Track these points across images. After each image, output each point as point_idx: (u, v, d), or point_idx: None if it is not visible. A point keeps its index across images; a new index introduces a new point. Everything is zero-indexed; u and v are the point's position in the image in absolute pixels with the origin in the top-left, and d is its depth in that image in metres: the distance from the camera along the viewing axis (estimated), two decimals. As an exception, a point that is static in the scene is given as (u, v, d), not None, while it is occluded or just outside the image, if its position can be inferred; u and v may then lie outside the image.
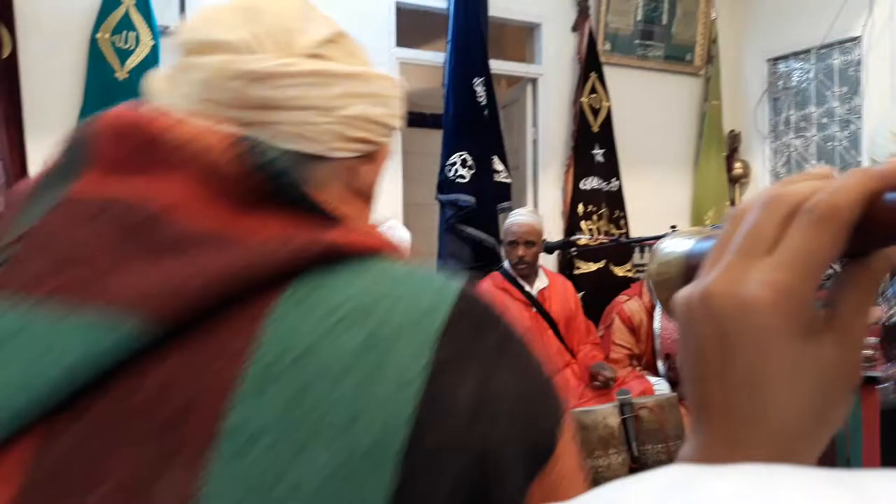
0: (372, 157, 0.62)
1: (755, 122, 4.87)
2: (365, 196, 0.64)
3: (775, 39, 4.73)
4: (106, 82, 3.28)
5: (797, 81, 4.73)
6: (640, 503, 0.27)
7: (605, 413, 2.85)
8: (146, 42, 3.33)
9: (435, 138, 4.25)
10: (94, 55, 3.28)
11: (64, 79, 3.28)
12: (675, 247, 0.51)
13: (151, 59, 3.33)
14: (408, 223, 4.02)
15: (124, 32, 3.31)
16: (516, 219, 3.47)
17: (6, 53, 3.10)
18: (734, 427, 0.33)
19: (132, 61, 3.32)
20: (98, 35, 3.28)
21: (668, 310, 0.51)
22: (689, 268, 0.49)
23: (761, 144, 4.87)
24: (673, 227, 3.37)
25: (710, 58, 4.78)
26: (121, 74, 3.31)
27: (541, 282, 3.51)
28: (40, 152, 3.23)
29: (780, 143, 4.84)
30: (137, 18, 3.32)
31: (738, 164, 4.86)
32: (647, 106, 4.59)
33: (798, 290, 0.33)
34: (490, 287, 3.45)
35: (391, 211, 3.91)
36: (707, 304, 0.34)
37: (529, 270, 3.46)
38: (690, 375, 0.36)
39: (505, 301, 3.40)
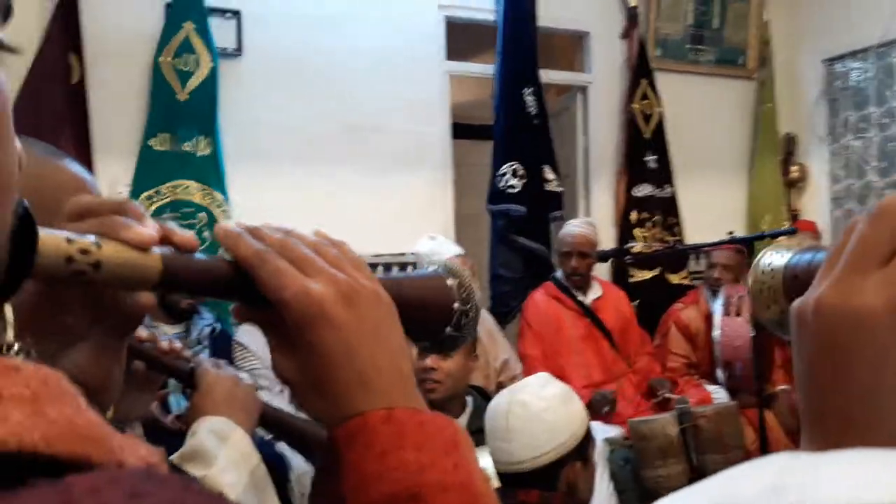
0: None
1: (812, 125, 4.77)
2: None
3: (831, 39, 4.62)
4: (168, 103, 3.40)
5: (855, 81, 4.62)
6: (755, 485, 0.29)
7: (664, 422, 2.84)
8: (206, 64, 3.44)
9: (485, 149, 4.29)
10: (157, 78, 3.41)
11: (129, 101, 3.41)
12: (774, 259, 0.53)
13: (211, 81, 3.44)
14: (459, 235, 4.06)
15: (185, 55, 3.43)
16: (570, 229, 3.47)
17: (76, 79, 3.25)
18: (851, 437, 0.34)
19: (192, 83, 3.44)
20: (160, 58, 3.40)
21: (764, 321, 0.53)
22: (787, 279, 0.52)
23: (819, 147, 4.77)
24: (730, 233, 3.33)
25: (764, 60, 4.70)
26: (182, 96, 3.42)
27: (594, 292, 3.51)
28: (109, 172, 3.37)
29: (839, 146, 4.72)
30: (197, 42, 3.44)
31: (794, 168, 4.76)
32: (700, 111, 4.54)
33: None
34: (543, 297, 3.47)
35: (442, 223, 3.95)
36: (820, 314, 0.35)
37: (583, 281, 3.46)
38: (805, 385, 0.37)
39: (558, 311, 3.40)
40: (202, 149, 3.42)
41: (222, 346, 3.08)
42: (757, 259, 0.54)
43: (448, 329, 0.58)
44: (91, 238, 0.43)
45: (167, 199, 3.38)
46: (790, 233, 3.51)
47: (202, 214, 3.40)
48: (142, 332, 0.68)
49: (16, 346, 0.41)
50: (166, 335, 2.93)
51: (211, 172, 3.43)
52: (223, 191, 3.45)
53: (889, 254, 0.34)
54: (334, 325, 0.46)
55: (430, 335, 0.59)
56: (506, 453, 1.46)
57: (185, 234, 0.47)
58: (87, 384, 0.48)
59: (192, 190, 3.41)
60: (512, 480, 1.48)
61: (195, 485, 0.26)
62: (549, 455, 1.43)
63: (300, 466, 2.67)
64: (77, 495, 0.22)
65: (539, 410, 1.45)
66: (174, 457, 1.08)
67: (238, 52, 3.62)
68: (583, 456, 1.47)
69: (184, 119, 3.41)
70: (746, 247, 2.75)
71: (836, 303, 0.35)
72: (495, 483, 1.65)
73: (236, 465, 1.17)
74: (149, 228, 0.45)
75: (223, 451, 1.14)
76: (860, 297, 0.34)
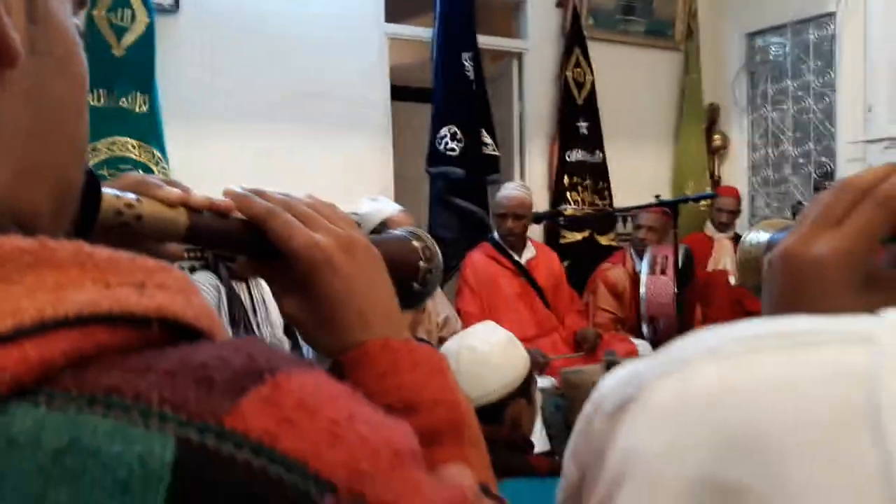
0: None
1: (733, 96, 5.02)
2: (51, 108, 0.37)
3: (753, 14, 4.86)
4: (104, 59, 3.33)
5: (774, 56, 4.88)
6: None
7: (593, 372, 3.01)
8: (142, 19, 3.38)
9: (425, 112, 4.35)
10: (92, 32, 3.33)
11: (62, 55, 3.33)
12: (757, 237, 0.67)
13: (147, 37, 3.39)
14: (399, 197, 4.14)
15: (120, 10, 3.36)
16: (506, 192, 3.60)
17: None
18: None
19: (128, 39, 3.37)
20: (94, 12, 3.32)
21: (749, 287, 0.67)
22: (767, 252, 0.66)
23: (739, 117, 5.03)
24: (657, 196, 3.52)
25: (691, 32, 4.90)
26: (118, 51, 3.36)
27: (528, 252, 3.66)
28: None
29: (758, 116, 5.00)
30: (133, -4, 3.37)
31: (717, 136, 5.01)
32: (630, 79, 4.72)
33: (856, 254, 0.44)
34: (480, 256, 3.60)
35: (382, 186, 4.02)
36: (784, 260, 0.47)
37: (518, 242, 3.60)
38: (770, 315, 0.47)
39: (495, 270, 3.54)
40: (140, 106, 3.38)
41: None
42: (743, 237, 0.67)
43: (415, 285, 0.68)
44: (132, 195, 0.51)
45: (104, 156, 3.33)
46: (710, 197, 3.74)
47: (140, 171, 3.36)
48: None
49: None
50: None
51: (149, 129, 3.40)
52: (161, 148, 3.43)
53: (842, 217, 0.45)
54: (337, 271, 0.55)
55: (400, 291, 0.66)
56: (455, 393, 1.58)
57: (208, 199, 0.56)
58: None
59: (129, 146, 3.37)
60: (459, 419, 1.60)
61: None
62: (495, 393, 1.55)
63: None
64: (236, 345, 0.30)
65: (486, 354, 1.57)
66: None
67: (175, 7, 3.57)
68: (526, 394, 1.60)
69: (121, 75, 3.35)
70: (671, 209, 2.93)
71: (796, 251, 0.46)
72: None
73: None
74: (176, 190, 0.54)
75: None
76: (814, 248, 0.45)
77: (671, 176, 4.93)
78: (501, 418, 1.56)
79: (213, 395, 0.26)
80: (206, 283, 3.22)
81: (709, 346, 0.34)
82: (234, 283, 3.26)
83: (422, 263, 0.68)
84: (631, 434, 0.34)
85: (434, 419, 0.53)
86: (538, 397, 3.08)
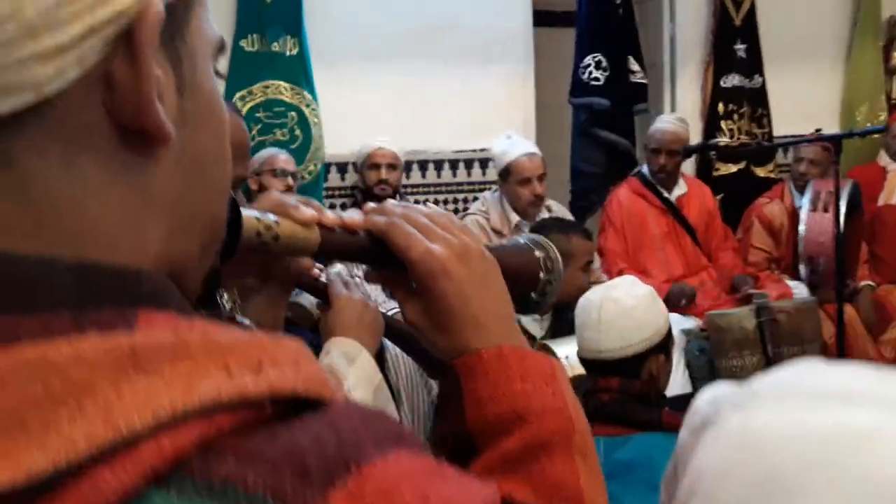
0: (129, 41, 0.34)
1: (920, 6, 4.47)
2: (146, 135, 0.36)
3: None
4: (256, 4, 3.46)
5: (972, -43, 4.28)
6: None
7: (741, 316, 2.91)
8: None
9: (568, 37, 4.21)
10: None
11: (220, 2, 3.48)
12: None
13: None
14: (540, 127, 4.07)
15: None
16: (661, 125, 3.44)
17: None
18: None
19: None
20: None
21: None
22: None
23: (925, 30, 4.48)
24: (817, 130, 3.24)
25: (869, -64, 4.38)
26: (270, -2, 3.47)
27: (679, 189, 3.51)
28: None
29: (948, 28, 4.43)
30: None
31: (896, 54, 4.51)
32: (795, -5, 4.30)
33: None
34: (627, 193, 3.50)
35: (523, 117, 3.96)
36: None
37: (670, 179, 3.46)
38: None
39: (642, 207, 3.44)
40: (290, 49, 3.51)
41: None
42: None
43: (533, 295, 0.70)
44: (272, 217, 0.56)
45: (259, 99, 3.50)
46: (880, 131, 3.41)
47: (293, 113, 3.52)
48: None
49: (232, 306, 0.56)
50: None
51: (300, 72, 3.52)
52: (311, 90, 3.55)
53: None
54: (452, 278, 0.58)
55: (517, 299, 0.69)
56: (594, 342, 1.58)
57: (339, 217, 0.62)
58: (261, 327, 0.64)
59: (282, 89, 3.52)
60: (596, 367, 1.61)
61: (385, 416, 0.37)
62: (635, 347, 1.54)
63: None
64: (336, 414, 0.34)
65: (629, 307, 1.55)
66: None
67: (318, -55, 3.62)
68: (665, 349, 1.58)
69: (271, 19, 3.48)
70: (834, 144, 2.70)
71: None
72: (580, 370, 1.79)
73: (362, 385, 1.37)
74: (311, 210, 0.59)
75: (351, 370, 1.34)
76: None
77: (841, 100, 4.50)
78: (638, 372, 1.55)
79: (307, 485, 0.30)
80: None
81: (780, 391, 0.39)
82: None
83: (542, 275, 0.70)
84: (703, 453, 0.39)
85: (543, 429, 0.56)
86: (680, 339, 3.03)
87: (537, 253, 0.70)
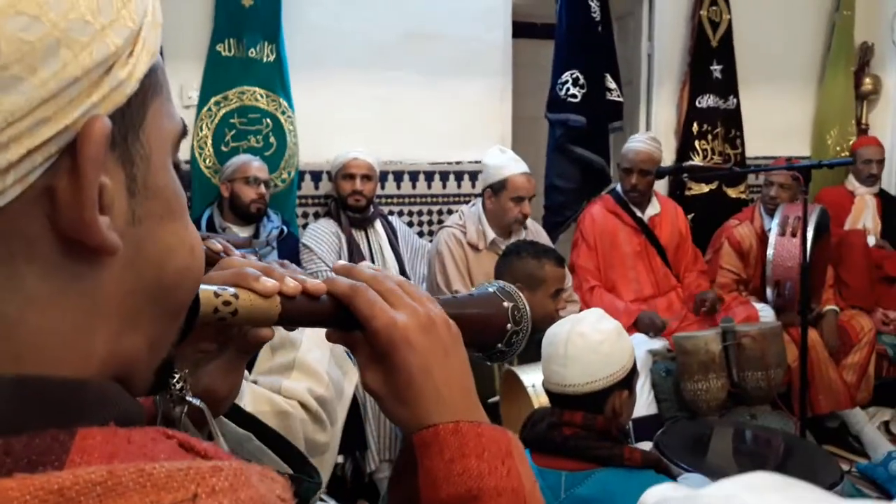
0: (73, 155, 0.35)
1: (892, 33, 4.55)
2: (93, 245, 0.36)
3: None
4: (234, 9, 3.41)
5: (943, -12, 4.36)
6: None
7: (707, 339, 2.94)
8: (270, -33, 3.43)
9: (546, 49, 4.22)
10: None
11: (197, 6, 3.44)
12: None
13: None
14: (517, 138, 4.08)
15: (249, -42, 3.42)
16: (634, 145, 3.46)
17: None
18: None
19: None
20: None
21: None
22: None
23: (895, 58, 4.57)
24: (788, 159, 3.28)
25: (845, -36, 4.45)
26: (246, 1, 3.44)
27: (652, 208, 3.54)
28: (179, 77, 3.45)
29: (917, 57, 4.52)
30: (261, -56, 3.42)
31: (867, 80, 4.58)
32: (771, 18, 4.36)
33: None
34: (600, 210, 3.52)
35: (500, 130, 3.97)
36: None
37: (642, 197, 3.49)
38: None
39: (615, 225, 3.46)
40: (267, 55, 3.48)
41: (289, 248, 3.26)
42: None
43: (499, 345, 0.69)
44: (231, 290, 0.56)
45: (235, 105, 3.47)
46: (846, 164, 3.47)
47: (268, 120, 3.49)
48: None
49: (182, 385, 0.56)
50: (237, 237, 3.10)
51: (276, 78, 3.50)
52: (288, 97, 3.53)
53: None
54: (415, 350, 0.58)
55: (484, 349, 0.70)
56: (560, 376, 1.59)
57: (301, 283, 0.60)
58: (217, 392, 0.64)
59: (258, 96, 3.49)
60: (561, 401, 1.61)
61: None
62: (599, 383, 1.55)
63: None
64: None
65: (596, 343, 1.56)
66: (266, 346, 1.26)
67: (299, -47, 3.60)
68: (629, 385, 1.59)
69: (249, 25, 3.45)
70: (803, 172, 2.75)
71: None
72: (545, 399, 1.79)
73: (318, 345, 1.38)
74: (271, 281, 0.58)
75: (304, 334, 1.35)
76: None
77: (812, 123, 4.58)
78: (602, 407, 1.56)
79: None
80: (327, 231, 3.34)
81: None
82: (353, 231, 3.37)
83: (509, 325, 0.69)
84: None
85: None
86: (647, 359, 3.05)
87: (506, 303, 0.69)
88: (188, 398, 0.57)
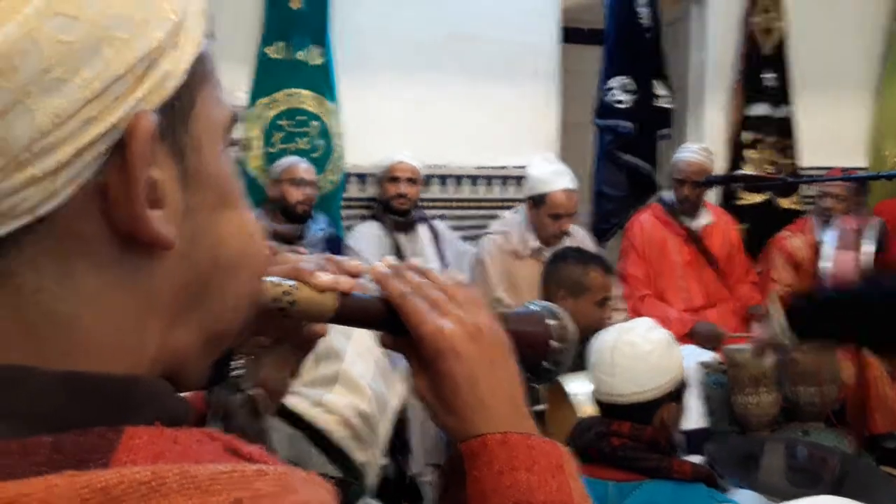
0: (122, 152, 0.34)
1: (953, 42, 4.40)
2: (147, 241, 0.36)
3: None
4: (283, 12, 3.45)
5: None
6: None
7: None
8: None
9: (594, 55, 4.18)
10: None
11: (247, 8, 3.48)
12: None
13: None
14: (564, 145, 4.04)
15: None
16: (686, 156, 3.39)
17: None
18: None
19: (307, -9, 3.46)
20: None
21: None
22: None
23: (958, 67, 4.41)
24: (844, 169, 3.18)
25: (904, -31, 4.32)
26: (295, 4, 3.47)
27: (704, 218, 3.47)
28: (228, 79, 3.46)
29: (982, 66, 4.35)
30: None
31: (928, 90, 4.42)
32: (827, 26, 4.24)
33: None
34: (649, 219, 3.46)
35: (546, 135, 3.93)
36: None
37: (693, 208, 3.42)
38: None
39: (664, 234, 3.40)
40: (314, 58, 3.50)
41: (334, 250, 3.27)
42: None
43: (544, 363, 0.67)
44: (290, 282, 0.56)
45: (283, 107, 3.50)
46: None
47: (315, 123, 3.52)
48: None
49: (241, 373, 0.55)
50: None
51: (323, 81, 3.52)
52: (334, 99, 3.55)
53: None
54: (461, 358, 0.57)
55: (528, 367, 0.68)
56: (607, 385, 1.55)
57: (352, 267, 0.61)
58: (270, 387, 0.63)
59: (305, 98, 3.51)
60: (609, 409, 1.57)
61: None
62: (649, 393, 1.51)
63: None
64: None
65: (645, 352, 1.52)
66: (310, 355, 1.26)
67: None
68: (678, 397, 1.55)
69: (297, 28, 3.48)
70: (859, 185, 2.66)
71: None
72: (589, 407, 1.76)
73: (362, 357, 1.37)
74: (328, 276, 0.58)
75: (349, 346, 1.33)
76: None
77: (869, 133, 4.43)
78: (650, 418, 1.52)
79: None
80: (371, 233, 3.35)
81: None
82: (397, 234, 3.37)
83: (554, 343, 0.68)
84: None
85: None
86: (698, 371, 2.98)
87: (550, 321, 0.68)
88: (245, 389, 0.57)
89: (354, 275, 0.60)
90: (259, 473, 0.33)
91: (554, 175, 3.14)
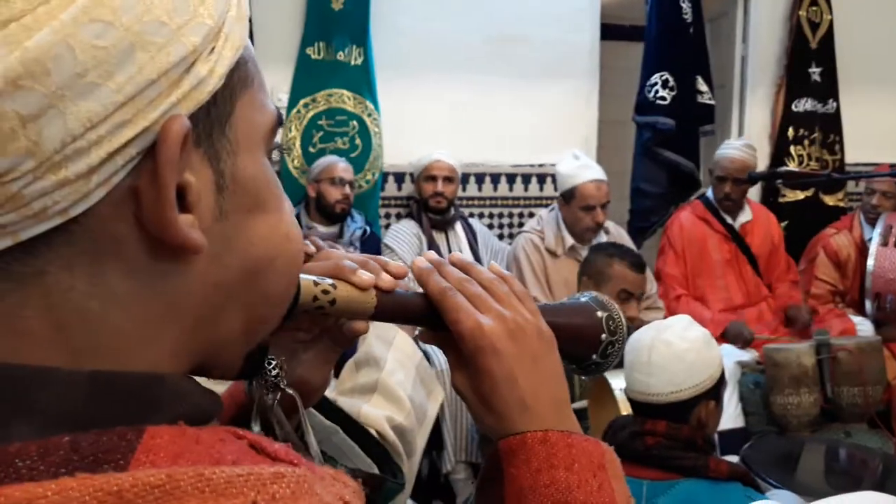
0: (152, 155, 0.35)
1: None
2: (175, 245, 0.36)
3: None
4: (323, 12, 3.49)
5: None
6: None
7: (800, 352, 2.81)
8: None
9: (634, 51, 4.14)
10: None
11: (288, 10, 3.54)
12: None
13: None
14: (602, 143, 4.02)
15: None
16: (729, 153, 3.34)
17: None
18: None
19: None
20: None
21: None
22: None
23: None
24: (892, 165, 3.11)
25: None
26: (336, 5, 3.51)
27: (745, 215, 3.41)
28: (269, 79, 3.54)
29: None
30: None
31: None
32: (875, 19, 4.13)
33: None
34: (689, 217, 3.42)
35: (585, 133, 3.91)
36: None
37: (735, 206, 3.37)
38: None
39: (704, 232, 3.36)
40: (355, 58, 3.54)
41: (371, 248, 3.30)
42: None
43: (594, 356, 0.66)
44: (329, 281, 0.56)
45: (323, 107, 3.55)
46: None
47: (354, 122, 3.56)
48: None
49: (277, 369, 0.56)
50: (319, 233, 3.16)
51: (363, 82, 3.55)
52: (374, 100, 3.58)
53: None
54: (501, 356, 0.56)
55: (578, 360, 0.67)
56: (644, 384, 1.55)
57: (395, 269, 0.61)
58: (309, 383, 0.63)
59: (345, 98, 3.55)
60: (644, 409, 1.57)
61: None
62: (685, 392, 1.50)
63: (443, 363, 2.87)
64: None
65: (681, 351, 1.51)
66: (350, 362, 1.26)
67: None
68: (716, 396, 1.54)
69: (338, 28, 3.51)
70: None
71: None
72: (626, 408, 1.75)
73: (402, 365, 1.37)
74: (368, 274, 0.58)
75: (390, 353, 1.34)
76: None
77: (918, 129, 4.32)
78: (687, 417, 1.51)
79: None
80: (408, 232, 3.37)
81: None
82: (434, 233, 3.39)
83: (604, 336, 0.66)
84: None
85: None
86: (735, 371, 2.94)
87: (599, 313, 0.66)
88: (283, 386, 0.58)
89: (397, 277, 0.60)
90: (276, 476, 0.33)
91: (581, 168, 3.13)
